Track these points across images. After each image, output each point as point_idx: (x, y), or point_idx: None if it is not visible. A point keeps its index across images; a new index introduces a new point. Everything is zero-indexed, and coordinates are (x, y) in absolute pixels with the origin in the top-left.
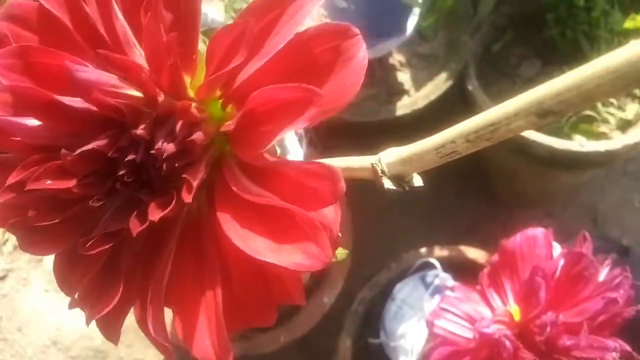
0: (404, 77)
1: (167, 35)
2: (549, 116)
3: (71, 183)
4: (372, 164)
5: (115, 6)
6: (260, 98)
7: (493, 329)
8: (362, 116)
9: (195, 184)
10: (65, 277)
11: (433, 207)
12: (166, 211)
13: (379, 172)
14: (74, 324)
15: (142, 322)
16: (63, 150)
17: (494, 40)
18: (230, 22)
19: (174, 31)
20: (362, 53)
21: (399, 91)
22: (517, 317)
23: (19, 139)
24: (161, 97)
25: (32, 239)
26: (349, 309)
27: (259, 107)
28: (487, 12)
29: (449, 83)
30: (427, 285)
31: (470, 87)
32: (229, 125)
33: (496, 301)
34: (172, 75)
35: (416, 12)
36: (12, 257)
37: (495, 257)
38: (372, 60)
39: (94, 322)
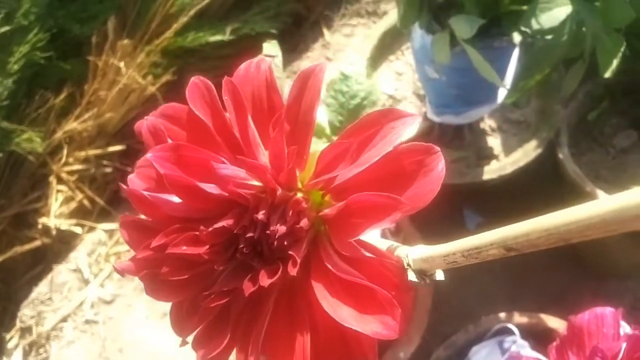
0: (494, 141)
1: (287, 145)
2: (512, 251)
3: (202, 250)
4: (403, 257)
5: (250, 118)
6: (356, 199)
7: None
8: (449, 178)
9: (299, 260)
10: (181, 321)
11: (521, 270)
12: (274, 279)
13: (406, 265)
14: (169, 351)
15: None
16: (202, 227)
17: (590, 109)
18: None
19: (293, 140)
20: (440, 167)
21: (487, 155)
22: None
23: (163, 211)
24: (279, 191)
25: (158, 288)
26: None
27: (354, 204)
28: (572, 89)
29: (539, 151)
30: (504, 351)
31: (560, 156)
32: (328, 213)
33: None
34: (289, 176)
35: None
36: (120, 284)
37: (565, 332)
38: (462, 125)
39: (183, 351)
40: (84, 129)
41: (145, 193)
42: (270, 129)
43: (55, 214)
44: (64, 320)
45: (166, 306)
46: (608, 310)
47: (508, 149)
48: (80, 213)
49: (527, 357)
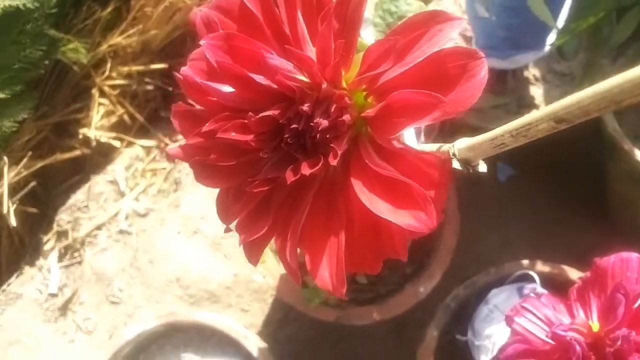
0: (536, 91)
1: (335, 41)
2: (562, 122)
3: (249, 137)
4: (448, 148)
5: (299, 12)
6: (398, 97)
7: (567, 334)
8: (485, 122)
9: (339, 152)
10: (226, 207)
11: (549, 225)
12: (315, 169)
13: (451, 154)
14: (197, 267)
15: (281, 252)
16: (250, 113)
17: None
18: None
19: (340, 36)
20: (483, 73)
21: (528, 104)
22: (595, 330)
23: (214, 99)
24: (324, 85)
25: (207, 174)
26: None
27: (396, 103)
28: (623, 38)
29: None
30: (522, 297)
31: None
32: (370, 113)
33: (580, 315)
34: (334, 71)
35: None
36: (154, 199)
37: (588, 274)
38: (506, 71)
39: (210, 268)
40: (128, 44)
41: (198, 80)
42: (319, 24)
43: (96, 126)
44: (99, 228)
45: (197, 224)
46: (634, 256)
47: (550, 100)
48: (119, 127)
49: (546, 296)
